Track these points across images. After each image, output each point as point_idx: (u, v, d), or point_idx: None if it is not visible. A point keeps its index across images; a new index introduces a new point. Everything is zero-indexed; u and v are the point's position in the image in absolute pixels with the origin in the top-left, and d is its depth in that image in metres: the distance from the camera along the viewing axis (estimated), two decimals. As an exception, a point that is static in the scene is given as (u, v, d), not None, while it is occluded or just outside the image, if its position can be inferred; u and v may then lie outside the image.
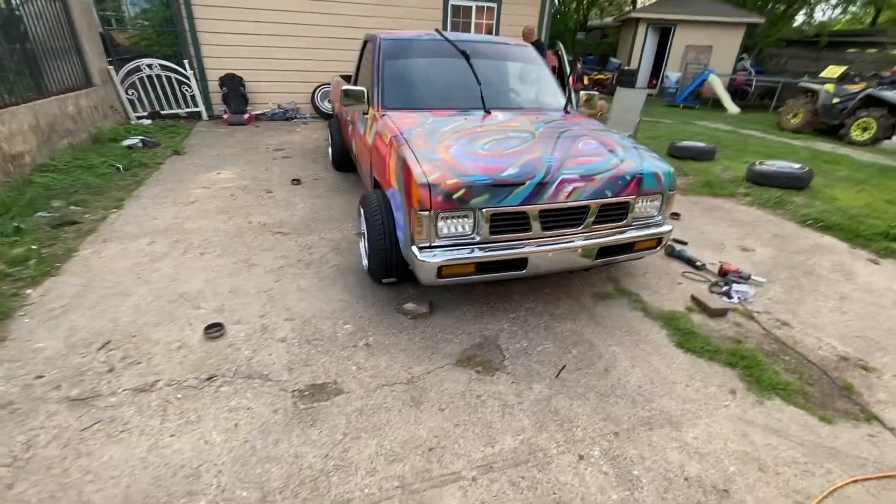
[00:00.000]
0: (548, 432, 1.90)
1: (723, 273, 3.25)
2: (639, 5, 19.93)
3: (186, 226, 3.69)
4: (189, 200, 4.22)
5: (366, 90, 3.14)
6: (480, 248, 2.33)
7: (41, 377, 2.05)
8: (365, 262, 2.96)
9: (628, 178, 2.50)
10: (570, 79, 3.78)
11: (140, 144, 5.79)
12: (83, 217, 3.74)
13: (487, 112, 3.11)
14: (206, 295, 2.73)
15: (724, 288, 3.04)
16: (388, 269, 2.68)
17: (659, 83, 15.90)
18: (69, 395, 1.96)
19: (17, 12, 4.85)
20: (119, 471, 1.63)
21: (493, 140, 2.62)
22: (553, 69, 3.89)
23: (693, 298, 2.94)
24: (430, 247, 2.31)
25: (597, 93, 3.73)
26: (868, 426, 2.04)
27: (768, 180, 5.19)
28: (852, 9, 20.49)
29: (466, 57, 3.09)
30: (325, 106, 8.22)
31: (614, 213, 2.55)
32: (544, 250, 2.40)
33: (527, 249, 2.38)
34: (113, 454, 1.70)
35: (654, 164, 2.65)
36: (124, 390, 2.00)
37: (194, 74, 7.39)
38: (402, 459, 1.74)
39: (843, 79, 9.92)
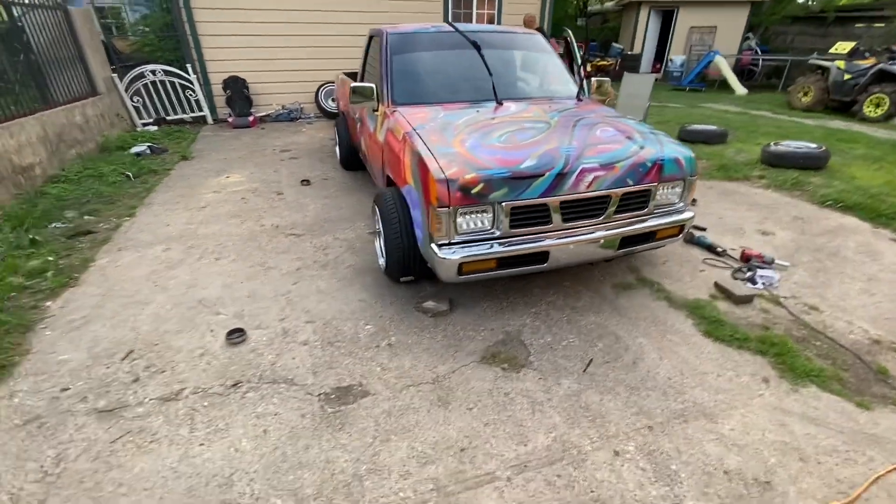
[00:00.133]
0: (580, 428, 1.87)
1: (745, 258, 3.18)
2: (639, -12, 19.53)
3: (200, 231, 3.68)
4: (200, 205, 4.21)
5: (374, 87, 3.09)
6: (500, 243, 2.29)
7: (67, 389, 2.05)
8: (381, 261, 2.93)
9: (649, 164, 2.44)
10: (582, 66, 3.70)
11: (148, 151, 5.78)
12: (97, 226, 3.74)
13: (499, 103, 3.05)
14: (224, 300, 2.72)
15: (748, 274, 2.98)
16: (406, 267, 2.65)
17: (663, 67, 15.64)
18: (96, 407, 1.95)
19: (19, 23, 4.84)
20: (152, 482, 1.62)
21: (508, 132, 2.57)
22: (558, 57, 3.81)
23: (717, 286, 2.88)
24: (449, 244, 2.27)
25: (608, 79, 3.65)
26: (909, 411, 1.99)
27: (784, 161, 5.07)
28: (859, -18, 19.95)
29: (477, 48, 3.02)
30: (329, 105, 8.17)
31: (636, 202, 2.50)
32: (566, 243, 2.36)
33: (548, 242, 2.33)
34: (144, 465, 1.69)
35: (675, 149, 2.59)
36: (151, 400, 1.99)
37: (197, 78, 7.36)
38: (434, 461, 1.72)
39: (853, 54, 9.68)
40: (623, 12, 17.35)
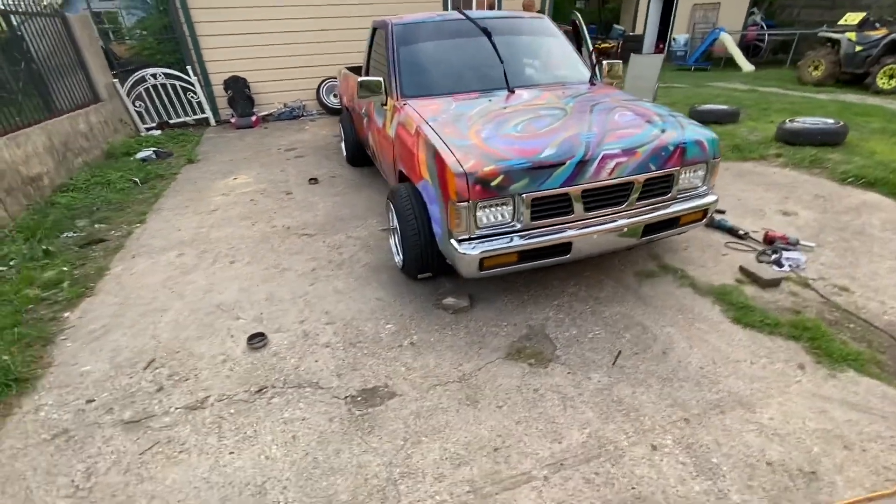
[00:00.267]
0: (615, 423, 1.82)
1: (769, 240, 3.10)
2: (639, -33, 19.11)
3: (212, 235, 3.65)
4: (210, 209, 4.18)
5: (382, 80, 3.02)
6: (521, 236, 2.24)
7: (92, 401, 2.04)
8: (397, 258, 2.89)
9: (671, 148, 2.36)
10: (593, 49, 3.61)
11: (153, 156, 5.76)
12: (109, 234, 3.72)
13: (511, 91, 2.97)
14: (242, 304, 2.69)
15: (774, 256, 2.90)
16: (424, 264, 2.60)
17: (666, 47, 15.34)
18: (122, 418, 1.94)
19: (19, 32, 4.80)
20: (185, 493, 1.60)
21: (524, 120, 2.50)
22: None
23: (742, 270, 2.81)
24: (469, 239, 2.22)
25: (619, 61, 3.54)
26: (954, 393, 1.92)
27: (800, 138, 4.94)
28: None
29: (488, 34, 2.94)
30: (331, 101, 8.08)
31: (658, 188, 2.42)
32: (588, 232, 2.30)
33: (570, 233, 2.27)
34: (176, 476, 1.67)
35: (697, 131, 2.51)
36: (177, 409, 1.97)
37: (198, 80, 7.30)
38: (468, 462, 1.68)
39: (863, 25, 9.41)
40: (623, -7, 17.00)
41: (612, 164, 2.24)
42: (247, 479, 1.65)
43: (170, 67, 7.16)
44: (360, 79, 2.97)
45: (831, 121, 5.03)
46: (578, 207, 2.27)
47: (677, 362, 2.13)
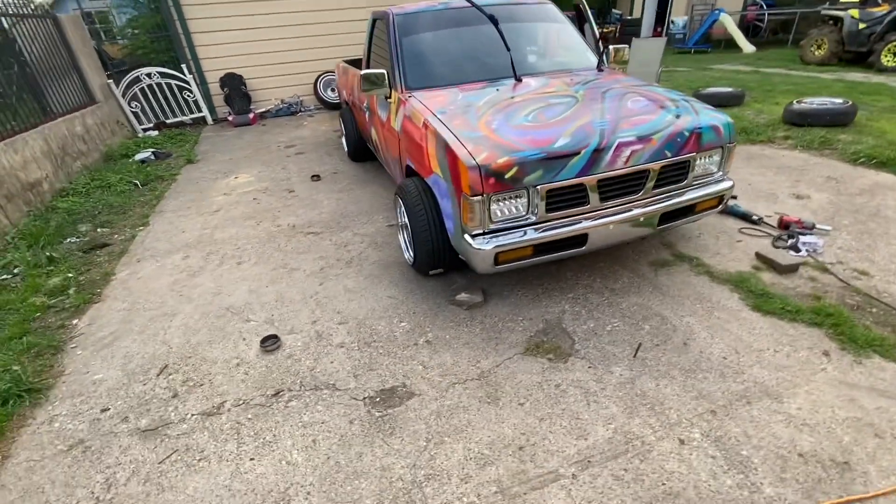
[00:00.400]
0: (640, 417, 1.79)
1: (784, 225, 3.05)
2: (635, -51, 18.80)
3: (216, 236, 3.60)
4: (213, 209, 4.12)
5: (386, 73, 2.95)
6: (535, 229, 2.19)
7: (107, 410, 2.00)
8: (407, 255, 2.84)
9: (687, 134, 2.30)
10: (600, 34, 3.53)
11: (152, 157, 5.69)
12: (112, 238, 3.68)
13: (518, 80, 2.90)
14: (252, 306, 2.65)
15: (790, 241, 2.85)
16: (436, 260, 2.56)
17: (664, 30, 15.14)
18: (139, 427, 1.90)
19: (10, 35, 4.71)
20: (207, 502, 1.57)
21: (535, 109, 2.44)
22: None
23: (759, 256, 2.76)
24: (483, 233, 2.17)
25: (626, 46, 3.46)
26: (983, 376, 1.89)
27: (808, 120, 4.87)
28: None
29: (495, 22, 2.86)
30: (329, 95, 7.98)
31: (674, 175, 2.37)
32: (605, 223, 2.25)
33: (586, 224, 2.22)
34: (197, 485, 1.64)
35: (712, 115, 2.45)
36: (193, 415, 1.94)
37: (193, 78, 7.20)
38: (493, 462, 1.65)
39: (866, 2, 9.26)
40: (620, -24, 16.73)
41: (627, 152, 2.18)
42: (269, 485, 1.62)
43: (164, 66, 7.06)
44: (363, 71, 2.90)
45: (839, 101, 4.95)
46: (594, 198, 2.22)
47: (699, 353, 2.09)
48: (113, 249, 3.50)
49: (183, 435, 1.85)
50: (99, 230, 3.83)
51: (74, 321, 2.65)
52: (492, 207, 2.11)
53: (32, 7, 5.26)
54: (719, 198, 2.54)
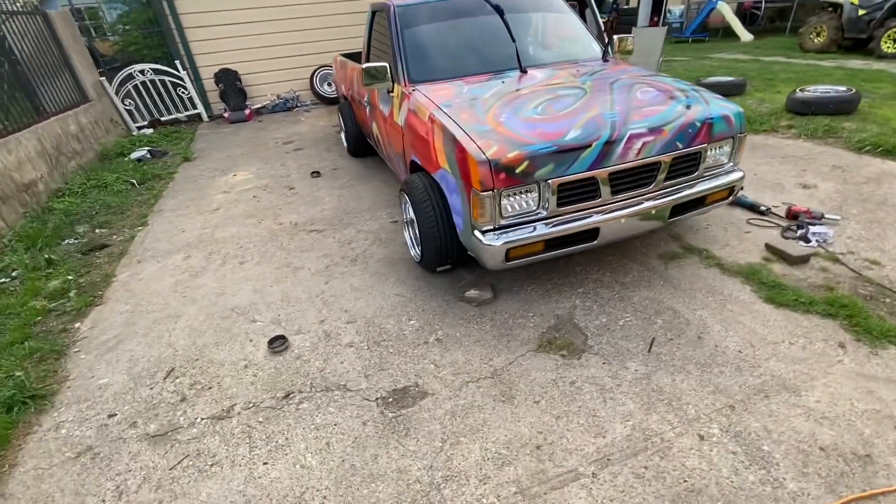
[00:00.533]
0: (658, 414, 1.77)
1: (792, 215, 3.02)
2: (631, -63, 18.61)
3: (217, 235, 3.55)
4: (213, 208, 4.06)
5: (388, 66, 2.88)
6: (546, 224, 2.15)
7: (114, 415, 1.97)
8: (413, 251, 2.80)
9: (698, 124, 2.27)
10: (604, 24, 3.46)
11: (148, 156, 5.60)
12: (111, 239, 3.62)
13: (523, 72, 2.84)
14: (258, 306, 2.61)
15: (800, 232, 2.83)
16: (444, 256, 2.52)
17: (661, 19, 15.02)
18: (148, 432, 1.87)
19: (0, 32, 4.60)
20: (222, 509, 1.55)
21: (543, 102, 2.39)
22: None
23: (769, 247, 2.74)
24: (493, 229, 2.13)
25: (631, 35, 3.40)
26: None
27: (812, 108, 4.83)
28: None
29: (500, 12, 2.80)
30: (326, 90, 7.88)
31: (685, 166, 2.33)
32: (616, 217, 2.21)
33: (597, 218, 2.19)
34: (210, 491, 1.61)
35: (722, 105, 2.41)
36: (202, 419, 1.90)
37: (188, 74, 7.08)
38: (511, 462, 1.63)
39: (865, -12, 9.20)
40: (616, -36, 16.54)
41: (638, 143, 2.14)
42: (284, 490, 1.59)
43: (157, 62, 6.94)
44: (365, 65, 2.84)
45: (843, 88, 4.91)
46: (605, 191, 2.18)
47: (714, 347, 2.07)
48: (112, 250, 3.44)
49: (193, 440, 1.82)
50: (97, 231, 3.77)
51: (76, 324, 2.60)
52: (502, 203, 2.07)
53: (21, 4, 5.14)
54: (730, 189, 2.51)
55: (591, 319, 2.31)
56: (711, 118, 2.30)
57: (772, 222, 3.04)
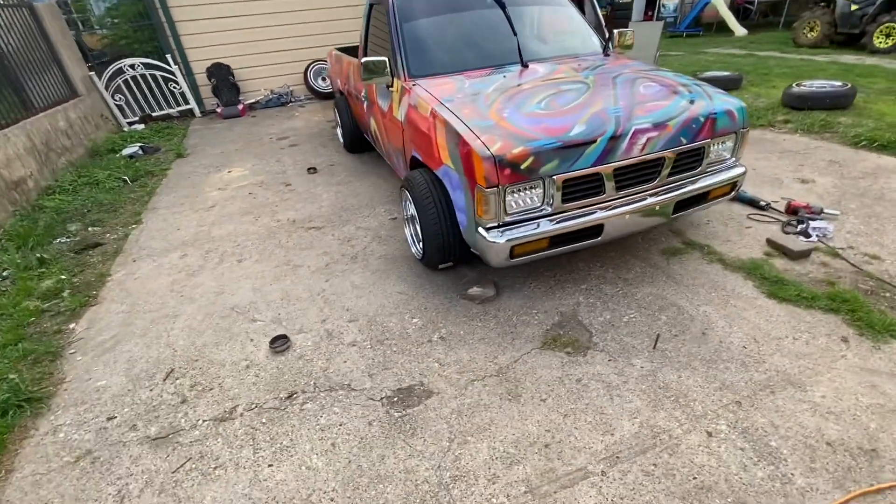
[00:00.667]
0: (665, 410, 1.76)
1: (792, 210, 3.03)
2: (625, -69, 18.54)
3: (213, 233, 3.49)
4: (208, 205, 4.00)
5: (387, 60, 2.84)
6: (550, 220, 2.13)
7: (113, 418, 1.93)
8: (415, 248, 2.77)
9: (702, 119, 2.25)
10: (604, 17, 3.45)
11: (140, 152, 5.50)
12: (105, 237, 3.55)
13: (525, 66, 2.81)
14: (258, 305, 2.57)
15: (800, 227, 2.84)
16: (446, 254, 2.49)
17: (655, 14, 15.02)
18: (148, 435, 1.83)
19: (-15, 25, 4.48)
20: (227, 513, 1.52)
21: (546, 96, 2.36)
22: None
23: (770, 242, 2.74)
24: (497, 226, 2.11)
25: (632, 30, 3.38)
26: None
27: (808, 103, 4.85)
28: None
29: (502, 6, 2.76)
30: (320, 84, 7.78)
31: (689, 162, 2.33)
32: (620, 213, 2.20)
33: (601, 214, 2.17)
34: (215, 495, 1.58)
35: (725, 100, 2.40)
36: (204, 421, 1.87)
37: (179, 69, 6.95)
38: (520, 461, 1.62)
39: (857, -17, 9.25)
40: (610, -42, 16.49)
41: (643, 139, 2.13)
42: (291, 493, 1.57)
43: (148, 57, 6.81)
44: (364, 59, 2.79)
45: (839, 83, 4.94)
46: (609, 187, 2.16)
47: (718, 342, 2.07)
48: (106, 249, 3.38)
49: (196, 442, 1.78)
50: (90, 229, 3.70)
51: (72, 325, 2.55)
52: (507, 199, 2.04)
53: (6, -5, 5.00)
54: (732, 184, 2.50)
55: (595, 316, 2.30)
56: (715, 113, 2.29)
57: (772, 217, 3.05)
